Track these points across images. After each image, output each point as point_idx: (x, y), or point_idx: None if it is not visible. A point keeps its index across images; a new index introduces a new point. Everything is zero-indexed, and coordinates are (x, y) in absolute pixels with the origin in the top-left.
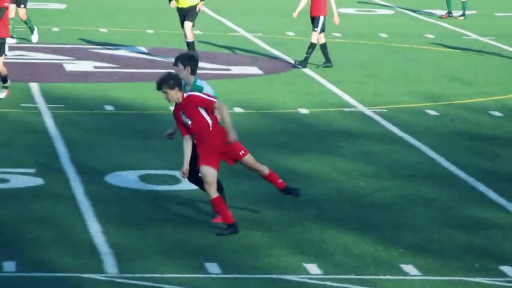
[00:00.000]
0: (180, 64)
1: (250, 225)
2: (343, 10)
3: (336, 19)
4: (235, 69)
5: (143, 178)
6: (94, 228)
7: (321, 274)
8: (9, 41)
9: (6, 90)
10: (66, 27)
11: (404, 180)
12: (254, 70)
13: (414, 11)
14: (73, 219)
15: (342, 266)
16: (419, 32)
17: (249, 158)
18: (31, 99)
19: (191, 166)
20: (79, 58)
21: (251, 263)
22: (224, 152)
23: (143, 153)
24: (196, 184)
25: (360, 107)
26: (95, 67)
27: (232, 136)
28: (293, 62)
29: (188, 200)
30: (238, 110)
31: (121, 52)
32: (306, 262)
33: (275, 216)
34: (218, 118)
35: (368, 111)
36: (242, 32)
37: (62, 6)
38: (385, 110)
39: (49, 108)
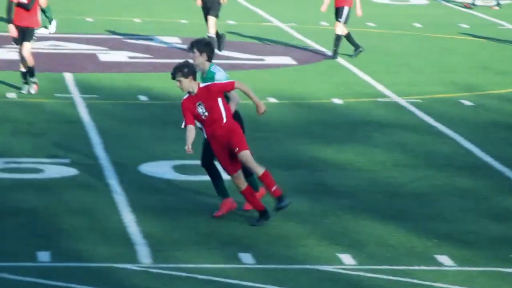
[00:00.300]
0: (196, 50)
1: (284, 215)
2: (377, 0)
3: (359, 11)
4: (269, 59)
5: (176, 168)
6: (128, 218)
7: (355, 265)
8: (43, 31)
9: (36, 84)
10: (100, 17)
11: (439, 170)
12: (287, 60)
13: (448, 0)
14: (107, 209)
15: (376, 257)
16: (453, 22)
17: (243, 155)
18: (65, 89)
19: (204, 154)
20: (113, 48)
21: (284, 253)
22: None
23: (177, 143)
24: (209, 173)
25: (394, 97)
26: (129, 57)
27: (262, 108)
28: (327, 52)
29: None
30: (271, 100)
31: (155, 42)
32: (340, 253)
33: (309, 207)
34: (232, 109)
35: (402, 101)
36: (275, 22)
37: None
38: (419, 100)
39: (83, 98)
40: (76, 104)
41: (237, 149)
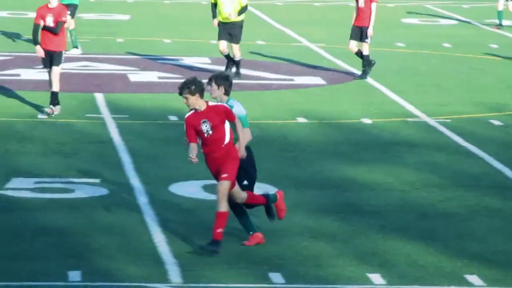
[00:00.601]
0: (213, 84)
1: (314, 235)
2: (407, 20)
3: (370, 31)
4: (298, 79)
5: (206, 188)
6: (159, 238)
7: (384, 284)
8: (74, 51)
9: (51, 110)
10: (130, 37)
11: (468, 190)
12: (317, 80)
13: (477, 21)
14: (137, 229)
15: (405, 276)
16: (483, 42)
17: (222, 184)
18: (96, 109)
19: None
20: (144, 68)
21: (314, 273)
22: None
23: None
24: (234, 212)
25: (424, 117)
26: (159, 78)
27: (241, 152)
28: (356, 72)
29: (252, 211)
30: (301, 120)
31: (185, 63)
32: (370, 272)
33: (339, 226)
34: (242, 142)
35: (431, 121)
36: (305, 42)
37: (126, 17)
38: (449, 120)
39: (114, 118)
40: (106, 124)
41: (225, 175)
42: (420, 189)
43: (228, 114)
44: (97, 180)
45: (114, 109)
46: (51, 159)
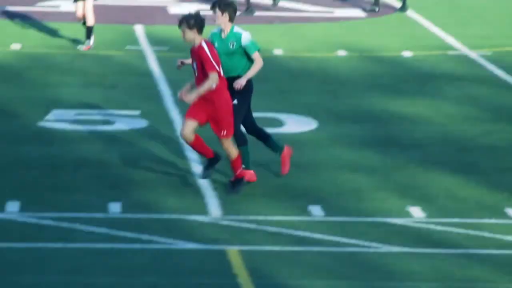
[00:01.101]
0: (217, 10)
1: (354, 168)
2: None
3: None
4: (338, 12)
5: None
6: (199, 170)
7: (425, 218)
8: None
9: (87, 46)
10: None
11: (509, 124)
12: (357, 12)
13: None
14: (177, 161)
15: (446, 210)
16: None
17: (225, 142)
18: (135, 41)
19: (243, 124)
20: (183, 0)
21: (354, 206)
22: (213, 119)
23: None
24: (257, 137)
25: (465, 50)
26: (199, 10)
27: (187, 97)
28: (397, 5)
29: (292, 143)
30: (341, 53)
31: None
32: (410, 205)
33: (379, 159)
34: (251, 71)
35: (472, 54)
36: None
37: None
38: (490, 53)
39: (154, 50)
40: (146, 56)
41: (224, 132)
42: (461, 122)
43: (204, 60)
44: (137, 112)
45: (154, 41)
46: (91, 91)
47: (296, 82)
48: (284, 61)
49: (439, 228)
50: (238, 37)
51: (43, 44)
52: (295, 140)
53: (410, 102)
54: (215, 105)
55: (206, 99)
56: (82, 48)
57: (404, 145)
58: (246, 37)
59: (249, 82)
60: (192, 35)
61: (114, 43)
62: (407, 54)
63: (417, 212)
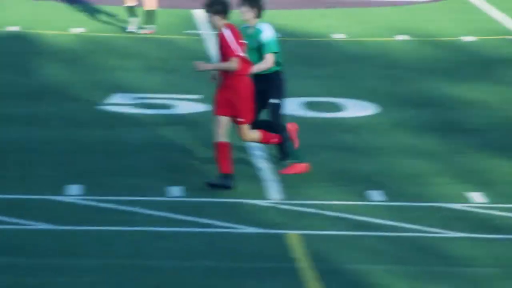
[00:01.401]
0: (247, 5)
1: (414, 153)
2: None
3: None
4: None
5: (307, 105)
6: (260, 154)
7: (485, 203)
8: None
9: (152, 29)
10: None
11: None
12: None
13: None
14: (237, 145)
15: (507, 195)
16: None
17: (243, 129)
18: (194, 25)
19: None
20: None
21: (414, 191)
22: (232, 105)
23: (307, 80)
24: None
25: None
26: None
27: (202, 65)
28: None
29: (352, 128)
30: (401, 37)
31: None
32: (471, 191)
33: (439, 144)
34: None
35: None
36: None
37: None
38: None
39: (212, 34)
40: (205, 40)
41: (242, 119)
42: None
43: (225, 46)
44: (198, 96)
45: None
46: (152, 75)
47: (356, 66)
48: (344, 46)
49: (499, 213)
50: (258, 33)
51: (106, 27)
52: (355, 124)
53: (470, 87)
54: (234, 89)
55: (226, 85)
56: (143, 32)
57: (464, 130)
58: (266, 35)
59: (277, 76)
60: (217, 21)
61: (173, 27)
62: (467, 38)
63: (477, 197)
